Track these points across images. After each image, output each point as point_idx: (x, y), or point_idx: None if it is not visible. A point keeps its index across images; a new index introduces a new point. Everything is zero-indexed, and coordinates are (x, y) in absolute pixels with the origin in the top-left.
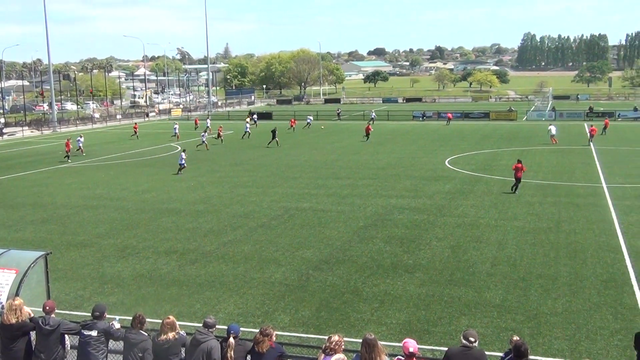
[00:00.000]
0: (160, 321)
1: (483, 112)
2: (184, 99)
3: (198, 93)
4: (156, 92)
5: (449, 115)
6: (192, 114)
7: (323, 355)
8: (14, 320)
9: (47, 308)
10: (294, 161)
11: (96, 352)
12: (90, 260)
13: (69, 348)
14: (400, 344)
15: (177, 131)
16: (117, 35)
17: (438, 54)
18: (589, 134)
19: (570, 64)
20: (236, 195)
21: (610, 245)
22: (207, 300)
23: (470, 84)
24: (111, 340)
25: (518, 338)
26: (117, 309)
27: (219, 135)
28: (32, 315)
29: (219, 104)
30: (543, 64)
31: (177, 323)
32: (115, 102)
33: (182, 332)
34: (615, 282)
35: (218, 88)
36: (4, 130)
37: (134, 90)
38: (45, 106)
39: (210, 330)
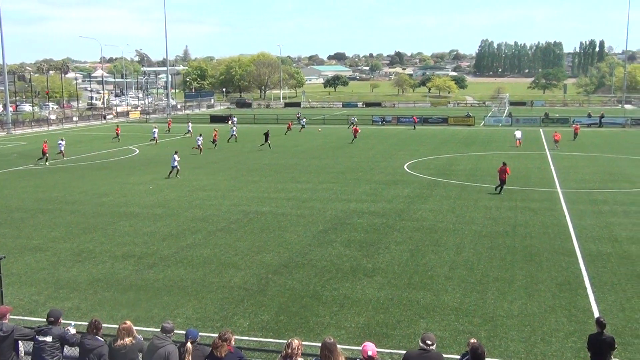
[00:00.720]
0: (117, 326)
1: (442, 117)
2: (143, 102)
3: (157, 95)
4: (117, 95)
5: (415, 118)
6: (151, 116)
7: None
8: None
9: (1, 313)
10: (254, 165)
11: (51, 358)
12: (45, 265)
13: (22, 354)
14: (360, 348)
15: (155, 135)
16: (74, 36)
17: (397, 59)
18: (553, 140)
19: (527, 70)
20: (195, 199)
21: (564, 249)
22: (165, 305)
23: (429, 89)
24: (66, 346)
25: (475, 341)
26: (73, 315)
27: (214, 140)
28: None
29: (178, 106)
30: (500, 70)
31: (134, 328)
32: (72, 104)
33: (139, 337)
34: (569, 285)
35: (177, 91)
36: None
37: (91, 92)
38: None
39: (168, 335)
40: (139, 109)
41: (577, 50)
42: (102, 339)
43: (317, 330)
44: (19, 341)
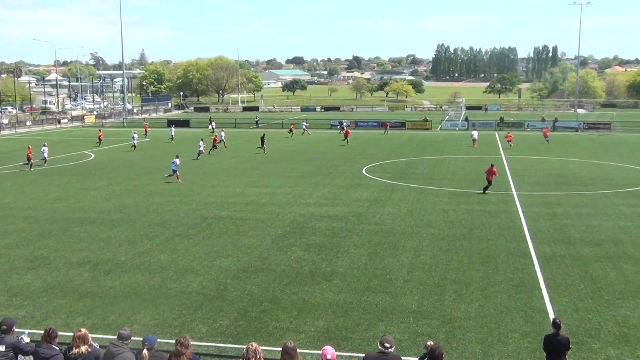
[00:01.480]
0: (72, 334)
1: (399, 122)
2: (98, 106)
3: (113, 99)
4: (74, 99)
5: (387, 124)
6: (106, 120)
7: None
8: None
9: None
10: (212, 169)
11: None
12: None
13: None
14: (319, 352)
15: (135, 141)
16: (28, 38)
17: (355, 63)
18: (507, 141)
19: (482, 75)
20: (153, 204)
21: (520, 251)
22: (122, 312)
23: (387, 93)
24: (20, 356)
25: (433, 342)
26: (27, 323)
27: (214, 146)
28: None
29: (135, 110)
30: (456, 75)
31: (90, 336)
32: (25, 108)
33: (95, 345)
34: (525, 287)
35: (134, 94)
36: None
37: (45, 95)
38: None
39: (125, 342)
40: (95, 113)
41: (531, 55)
42: (57, 348)
43: (277, 334)
44: None
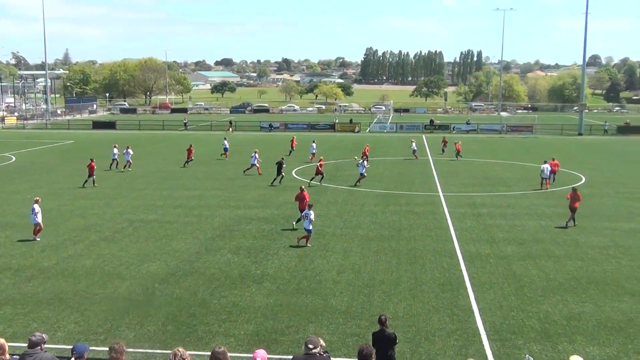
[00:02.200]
0: None
1: (328, 124)
2: (20, 107)
3: (35, 100)
4: None
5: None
6: (28, 122)
7: None
8: None
9: None
10: (139, 172)
11: None
12: None
13: None
14: (250, 355)
15: (115, 157)
16: None
17: (285, 65)
18: (455, 150)
19: (410, 78)
20: (77, 208)
21: (446, 251)
22: (45, 319)
23: (317, 95)
24: None
25: (364, 343)
26: None
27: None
28: None
29: (59, 112)
30: (385, 78)
31: (7, 345)
32: None
33: (14, 357)
34: (451, 285)
35: (57, 96)
36: None
37: None
38: None
39: (38, 348)
40: (16, 114)
41: (457, 59)
42: None
43: (206, 339)
44: None
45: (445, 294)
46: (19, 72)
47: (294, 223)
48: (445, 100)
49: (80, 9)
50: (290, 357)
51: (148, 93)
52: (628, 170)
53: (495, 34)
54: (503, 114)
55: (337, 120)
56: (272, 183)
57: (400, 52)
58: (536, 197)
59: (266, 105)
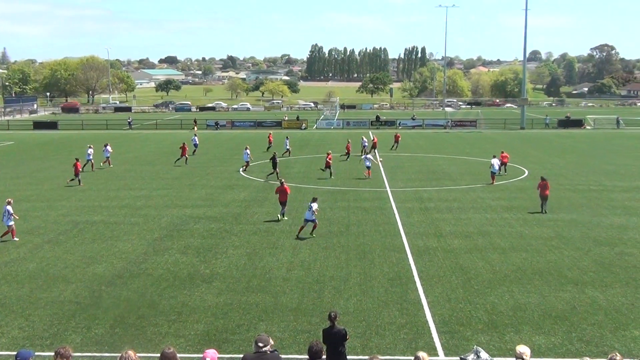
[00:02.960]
0: None
1: (275, 121)
2: None
3: None
4: None
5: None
6: None
7: None
8: None
9: None
10: (82, 173)
11: None
12: None
13: None
14: (200, 355)
15: (90, 158)
16: None
17: (230, 63)
18: (394, 140)
19: (356, 75)
20: (18, 210)
21: (394, 246)
22: None
23: (263, 93)
24: None
25: (314, 340)
26: None
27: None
28: None
29: None
30: (330, 74)
31: None
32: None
33: None
34: (400, 280)
35: None
36: None
37: None
38: None
39: None
40: None
41: (402, 56)
42: None
43: (156, 340)
44: None
45: (394, 288)
46: None
47: (279, 215)
48: (391, 96)
49: (18, 6)
50: (241, 356)
51: (91, 92)
52: (568, 163)
53: (438, 31)
54: (448, 109)
55: (286, 118)
56: (267, 178)
57: (345, 49)
58: (481, 191)
59: (221, 103)
